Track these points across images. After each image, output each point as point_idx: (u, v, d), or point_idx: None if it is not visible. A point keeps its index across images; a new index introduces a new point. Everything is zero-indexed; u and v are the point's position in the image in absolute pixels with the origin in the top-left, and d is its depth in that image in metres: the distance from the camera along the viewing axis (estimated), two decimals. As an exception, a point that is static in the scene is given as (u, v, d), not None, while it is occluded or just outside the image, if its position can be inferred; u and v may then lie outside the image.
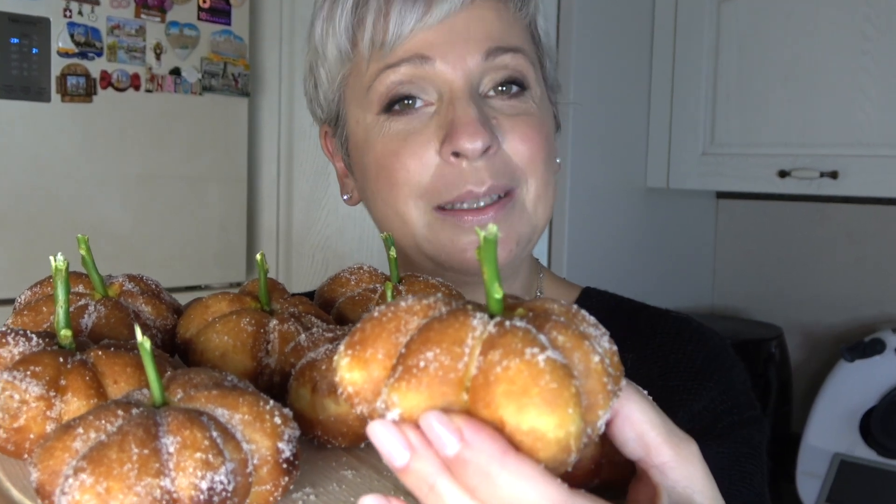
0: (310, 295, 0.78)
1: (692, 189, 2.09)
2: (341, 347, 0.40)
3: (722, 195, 2.34)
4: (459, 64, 0.80)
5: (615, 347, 0.41)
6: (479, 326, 0.38)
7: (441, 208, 0.81)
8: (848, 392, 1.84)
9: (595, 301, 0.95)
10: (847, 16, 1.81)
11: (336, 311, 0.66)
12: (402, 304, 0.40)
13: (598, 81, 1.92)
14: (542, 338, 0.37)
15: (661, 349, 0.88)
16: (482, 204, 0.80)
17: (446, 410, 0.37)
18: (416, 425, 0.38)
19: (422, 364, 0.37)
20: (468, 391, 0.37)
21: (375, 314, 0.40)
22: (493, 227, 0.39)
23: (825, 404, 1.87)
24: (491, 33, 0.81)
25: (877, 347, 1.82)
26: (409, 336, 0.39)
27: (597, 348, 0.39)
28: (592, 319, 0.41)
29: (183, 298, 0.67)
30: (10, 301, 1.67)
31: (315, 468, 0.50)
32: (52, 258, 0.50)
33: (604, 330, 0.41)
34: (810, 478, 1.83)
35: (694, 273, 2.31)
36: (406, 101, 0.81)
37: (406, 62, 0.80)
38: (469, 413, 0.37)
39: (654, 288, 2.10)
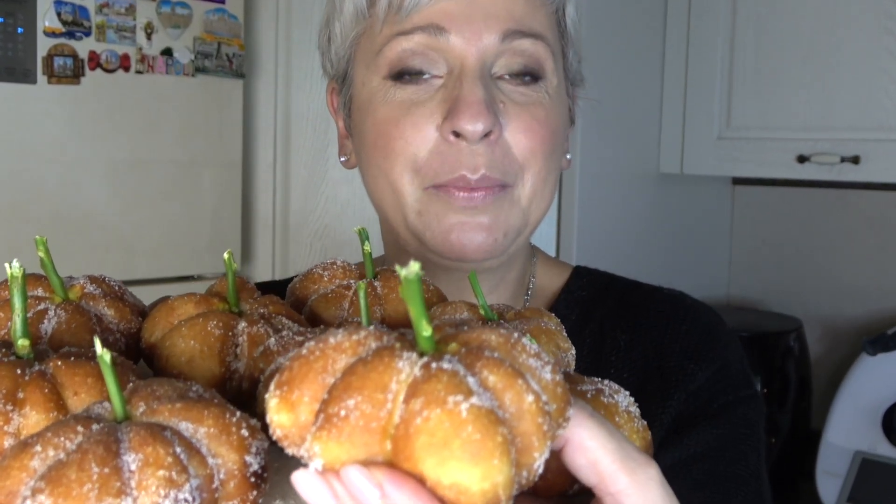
0: (279, 285, 0.77)
1: (707, 175, 2.06)
2: (272, 386, 0.39)
3: (738, 181, 2.30)
4: (474, 40, 0.78)
5: (559, 377, 0.40)
6: (406, 368, 0.37)
7: (433, 187, 0.80)
8: (870, 387, 1.80)
9: (586, 280, 0.94)
10: (869, -7, 1.76)
11: (308, 309, 0.63)
12: (332, 340, 0.39)
13: (609, 63, 1.89)
14: (471, 380, 0.36)
15: (656, 329, 0.88)
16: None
17: (370, 461, 0.36)
18: None
19: (342, 413, 0.36)
20: (392, 440, 0.36)
21: (304, 351, 0.39)
22: (414, 265, 0.37)
23: (846, 400, 1.83)
24: (513, 14, 0.80)
25: (900, 340, 1.77)
26: (336, 377, 0.38)
27: (532, 385, 0.38)
28: (534, 349, 0.40)
29: (175, 289, 0.66)
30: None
31: (285, 479, 0.48)
32: (6, 265, 0.49)
33: (547, 359, 0.39)
34: (830, 477, 1.79)
35: (709, 263, 2.27)
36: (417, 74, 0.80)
37: (420, 31, 0.79)
38: (393, 463, 0.36)
39: (667, 278, 2.05)
